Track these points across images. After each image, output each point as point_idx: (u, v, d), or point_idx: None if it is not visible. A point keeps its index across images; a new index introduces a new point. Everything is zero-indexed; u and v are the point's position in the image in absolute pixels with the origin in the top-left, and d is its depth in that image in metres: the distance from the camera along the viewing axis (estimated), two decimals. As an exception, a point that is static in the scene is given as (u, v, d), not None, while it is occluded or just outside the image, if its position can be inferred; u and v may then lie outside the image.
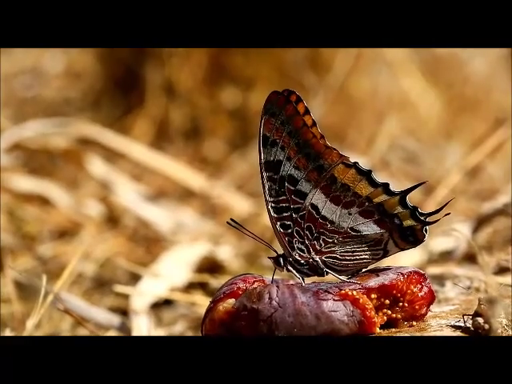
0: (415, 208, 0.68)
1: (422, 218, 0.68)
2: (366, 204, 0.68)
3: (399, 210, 0.68)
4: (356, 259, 0.69)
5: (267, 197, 0.69)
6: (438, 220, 0.68)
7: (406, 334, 0.64)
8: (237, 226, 0.69)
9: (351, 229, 0.69)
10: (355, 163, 0.68)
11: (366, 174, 0.68)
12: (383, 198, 0.68)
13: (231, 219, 0.69)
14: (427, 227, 0.68)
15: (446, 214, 0.68)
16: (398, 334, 0.64)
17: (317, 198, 0.69)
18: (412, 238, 0.69)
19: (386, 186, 0.68)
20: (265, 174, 0.69)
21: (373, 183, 0.68)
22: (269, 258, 0.70)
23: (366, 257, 0.69)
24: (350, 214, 0.69)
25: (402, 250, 0.69)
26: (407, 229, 0.68)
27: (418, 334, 0.64)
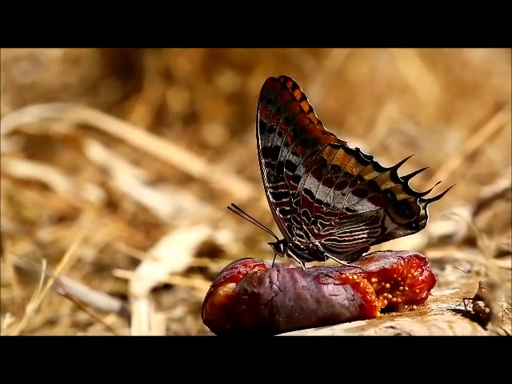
0: (406, 181, 0.68)
1: (415, 191, 0.68)
2: (358, 182, 0.68)
3: (391, 184, 0.68)
4: (355, 239, 0.69)
5: (266, 183, 0.69)
6: (430, 190, 0.68)
7: (407, 318, 0.64)
8: (237, 211, 0.69)
9: (347, 209, 0.69)
10: (343, 143, 0.68)
11: (355, 153, 0.68)
12: (374, 174, 0.68)
13: (232, 204, 0.69)
14: (427, 210, 0.68)
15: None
16: (398, 318, 0.64)
17: (309, 182, 0.68)
18: (407, 211, 0.69)
19: (375, 162, 0.68)
20: (263, 161, 0.69)
21: (362, 161, 0.68)
22: (269, 243, 0.70)
23: (365, 236, 0.69)
24: (343, 194, 0.69)
25: (400, 225, 0.69)
26: (401, 202, 0.68)
27: (418, 318, 0.64)
